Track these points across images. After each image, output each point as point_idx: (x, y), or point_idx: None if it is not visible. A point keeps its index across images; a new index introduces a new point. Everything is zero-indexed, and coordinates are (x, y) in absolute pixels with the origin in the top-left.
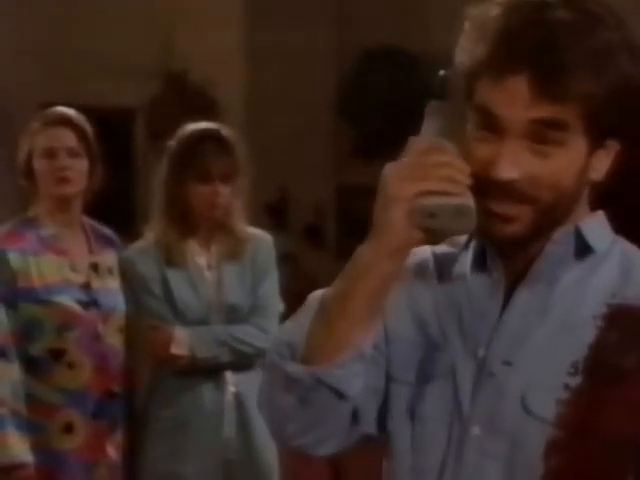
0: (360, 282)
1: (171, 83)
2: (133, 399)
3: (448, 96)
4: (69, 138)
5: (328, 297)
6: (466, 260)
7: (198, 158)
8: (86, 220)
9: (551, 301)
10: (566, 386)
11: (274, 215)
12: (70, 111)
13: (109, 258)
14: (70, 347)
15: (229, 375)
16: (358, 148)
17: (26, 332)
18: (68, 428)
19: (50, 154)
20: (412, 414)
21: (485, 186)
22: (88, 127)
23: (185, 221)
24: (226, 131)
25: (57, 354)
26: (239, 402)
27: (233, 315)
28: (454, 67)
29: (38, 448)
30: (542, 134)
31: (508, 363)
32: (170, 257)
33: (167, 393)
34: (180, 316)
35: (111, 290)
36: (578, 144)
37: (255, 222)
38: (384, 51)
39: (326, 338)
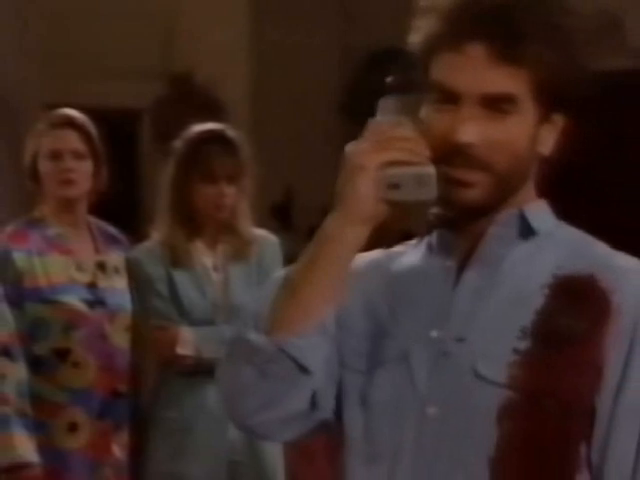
0: (324, 250)
1: (176, 84)
2: (138, 399)
3: (402, 91)
4: (74, 140)
5: (294, 267)
6: (418, 252)
7: (204, 159)
8: (92, 220)
9: (498, 278)
10: (515, 350)
11: (279, 216)
12: (75, 113)
13: (116, 257)
14: (75, 346)
15: None
16: None
17: (32, 331)
18: (73, 427)
19: (55, 156)
20: (364, 402)
21: (445, 154)
22: (93, 129)
23: (191, 222)
24: (231, 132)
25: (62, 353)
26: None
27: (239, 316)
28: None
29: (42, 448)
30: (495, 104)
31: (461, 339)
32: (176, 257)
33: (172, 393)
34: (186, 316)
35: (117, 289)
36: (529, 113)
37: (260, 223)
38: (390, 52)
39: (289, 307)
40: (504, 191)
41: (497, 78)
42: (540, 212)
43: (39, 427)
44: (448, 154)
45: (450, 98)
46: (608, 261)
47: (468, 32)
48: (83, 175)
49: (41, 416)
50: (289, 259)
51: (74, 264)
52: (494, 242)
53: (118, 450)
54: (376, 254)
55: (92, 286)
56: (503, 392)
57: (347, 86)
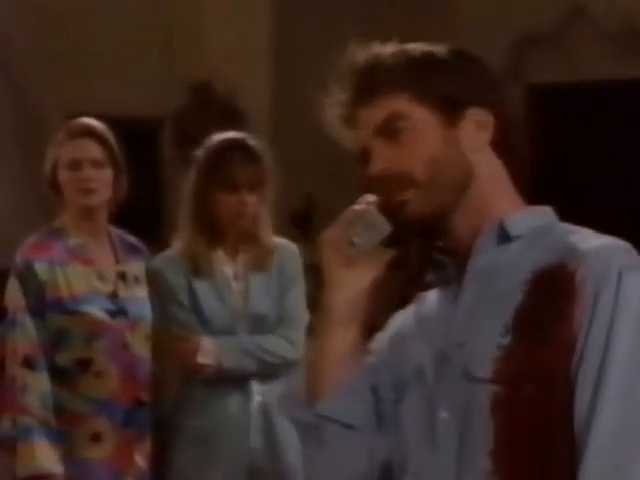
0: (324, 344)
1: (197, 92)
2: (161, 408)
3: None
4: (93, 149)
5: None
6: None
7: (225, 168)
8: (112, 229)
9: (487, 284)
10: (499, 346)
11: (299, 224)
12: (94, 122)
13: (136, 267)
14: (97, 356)
15: (255, 385)
16: None
17: (54, 342)
18: (96, 437)
19: (75, 165)
20: (396, 426)
21: (376, 190)
22: (112, 137)
23: (212, 231)
24: (253, 140)
25: (85, 364)
26: (265, 411)
27: (260, 325)
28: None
29: (65, 458)
30: (388, 128)
31: (461, 345)
32: (197, 267)
33: (195, 402)
34: (206, 326)
35: (138, 299)
36: (426, 119)
37: (280, 231)
38: None
39: (315, 383)
40: (443, 195)
41: (376, 109)
42: (520, 217)
43: (62, 437)
44: (377, 187)
45: (363, 153)
46: (576, 246)
47: (352, 102)
48: (103, 184)
49: (64, 426)
50: (309, 268)
51: (95, 274)
52: (478, 253)
53: (141, 460)
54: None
55: (113, 296)
56: (492, 387)
57: None
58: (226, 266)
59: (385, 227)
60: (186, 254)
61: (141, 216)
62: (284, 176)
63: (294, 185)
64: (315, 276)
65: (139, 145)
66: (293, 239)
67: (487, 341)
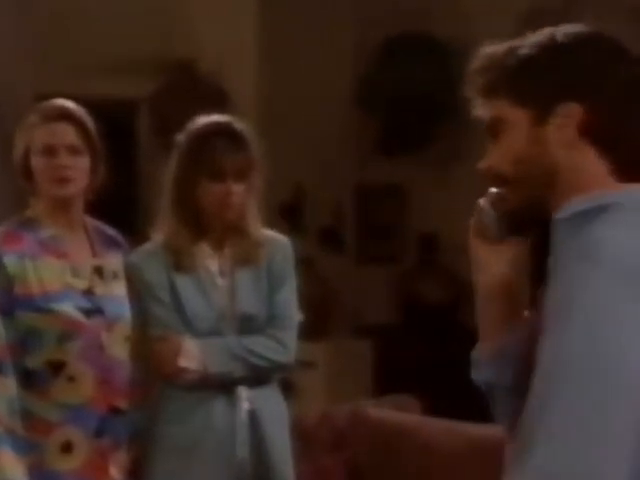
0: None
1: (177, 73)
2: (139, 416)
3: None
4: (69, 134)
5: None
6: None
7: (209, 154)
8: (89, 220)
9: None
10: None
11: (288, 216)
12: (70, 104)
13: (114, 261)
14: (71, 359)
15: (243, 391)
16: (380, 144)
17: (23, 343)
18: (67, 447)
19: (49, 151)
20: None
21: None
22: (90, 121)
23: (195, 222)
24: (240, 125)
25: (57, 366)
26: (253, 420)
27: (247, 325)
28: None
29: (33, 469)
30: (492, 131)
31: None
32: (179, 261)
33: (175, 410)
34: (189, 326)
35: (116, 296)
36: (517, 123)
37: (268, 223)
38: (408, 37)
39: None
40: (532, 191)
41: (487, 109)
42: (573, 201)
43: (30, 447)
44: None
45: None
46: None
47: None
48: (80, 172)
49: (33, 435)
50: (300, 262)
51: (69, 269)
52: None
53: (116, 471)
54: None
55: (89, 293)
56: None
57: (362, 76)
58: (211, 261)
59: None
60: (167, 248)
61: (115, 207)
62: (272, 164)
63: (282, 174)
64: (307, 271)
65: (113, 130)
66: (282, 232)
67: None
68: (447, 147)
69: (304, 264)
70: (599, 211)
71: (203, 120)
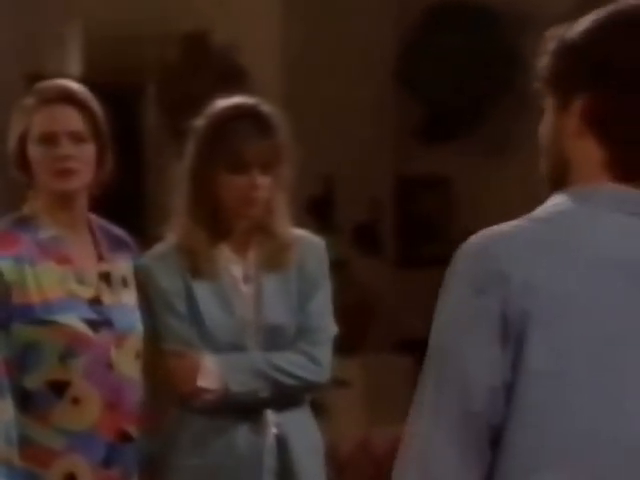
0: None
1: (189, 47)
2: (151, 443)
3: None
4: (73, 119)
5: None
6: None
7: (231, 142)
8: (94, 219)
9: None
10: None
11: (318, 213)
12: (73, 84)
13: (123, 266)
14: (75, 378)
15: (270, 414)
16: (423, 128)
17: (21, 360)
18: (70, 479)
19: (49, 139)
20: None
21: None
22: (96, 104)
23: (215, 221)
24: (266, 107)
25: (59, 387)
26: (282, 447)
27: (275, 339)
28: None
29: None
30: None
31: None
32: (196, 266)
33: (193, 436)
34: (209, 340)
35: (126, 306)
36: (548, 110)
37: (294, 221)
38: (455, 6)
39: None
40: (555, 176)
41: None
42: (550, 200)
43: (29, 478)
44: None
45: None
46: None
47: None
48: (84, 163)
49: (32, 465)
50: (331, 266)
51: (73, 275)
52: None
53: None
54: None
55: (95, 302)
56: None
57: (403, 50)
58: (233, 265)
59: None
60: (183, 250)
61: (119, 203)
62: (298, 153)
63: (310, 164)
64: (339, 276)
65: (114, 114)
66: (310, 230)
67: None
68: (500, 132)
69: (336, 268)
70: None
71: (223, 102)
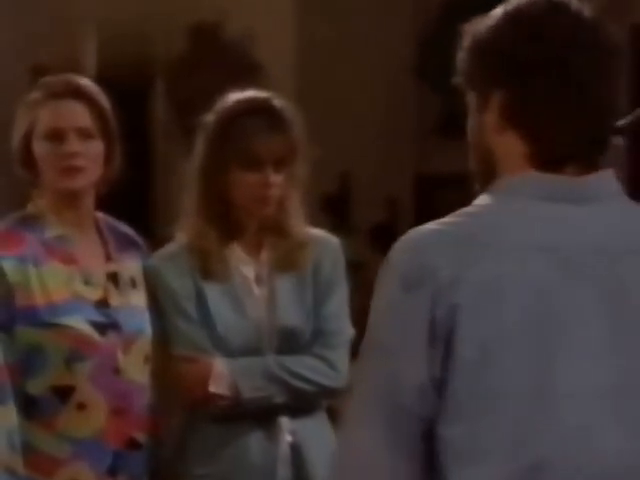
0: None
1: (199, 40)
2: (161, 451)
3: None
4: (80, 115)
5: None
6: None
7: (243, 137)
8: (101, 217)
9: None
10: None
11: (333, 211)
12: (82, 79)
13: (132, 266)
14: (81, 383)
15: (284, 421)
16: (444, 124)
17: (24, 364)
18: None
19: (56, 136)
20: None
21: None
22: (104, 99)
23: (227, 220)
24: (279, 102)
25: (64, 392)
26: (297, 456)
27: (289, 342)
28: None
29: None
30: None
31: None
32: (208, 267)
33: (204, 444)
34: (220, 344)
35: (135, 308)
36: (471, 106)
37: (309, 220)
38: None
39: None
40: (483, 171)
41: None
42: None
43: None
44: None
45: None
46: None
47: None
48: (91, 160)
49: (35, 473)
50: (347, 267)
51: (79, 276)
52: None
53: None
54: None
55: (103, 305)
56: None
57: (423, 42)
58: (245, 266)
59: None
60: (193, 250)
61: (126, 201)
62: (314, 151)
63: (326, 161)
64: (356, 277)
65: (122, 109)
66: (326, 229)
67: None
68: None
69: (352, 269)
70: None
71: (235, 96)
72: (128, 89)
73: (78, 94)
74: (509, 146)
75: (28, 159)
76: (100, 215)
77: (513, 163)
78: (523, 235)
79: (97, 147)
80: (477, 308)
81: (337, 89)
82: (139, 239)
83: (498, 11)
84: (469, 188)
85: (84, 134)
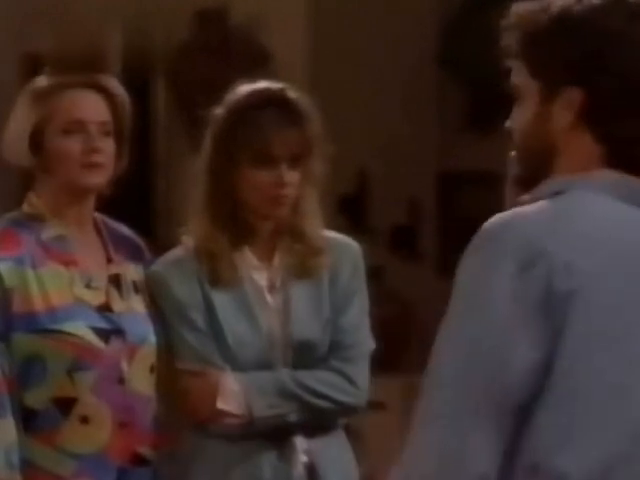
0: None
1: (205, 26)
2: (167, 467)
3: None
4: (101, 108)
5: None
6: None
7: (255, 132)
8: (99, 217)
9: None
10: None
11: (350, 213)
12: (100, 72)
13: (133, 270)
14: (84, 395)
15: (299, 440)
16: (468, 118)
17: (23, 374)
18: None
19: (77, 128)
20: None
21: None
22: (125, 96)
23: (237, 222)
24: (294, 94)
25: (66, 404)
26: (312, 477)
27: (305, 356)
28: None
29: None
30: (515, 95)
31: None
32: (217, 273)
33: (212, 463)
34: (230, 357)
35: (138, 314)
36: (530, 95)
37: (324, 222)
38: None
39: None
40: (531, 163)
41: (513, 72)
42: (550, 181)
43: None
44: None
45: None
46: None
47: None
48: (110, 158)
49: None
50: (366, 272)
51: (81, 278)
52: None
53: None
54: None
55: (105, 309)
56: None
57: (447, 27)
58: (257, 272)
59: None
60: (201, 255)
61: (125, 202)
62: (329, 147)
63: (342, 159)
64: (375, 284)
65: None
66: (342, 232)
67: None
68: None
69: (371, 275)
70: (551, 195)
71: (245, 88)
72: (126, 81)
73: (99, 87)
74: (581, 145)
75: (36, 152)
76: (98, 216)
77: (583, 161)
78: (619, 232)
79: (112, 145)
80: (591, 295)
81: (352, 80)
82: (141, 242)
83: (580, 3)
84: (496, 186)
85: (104, 130)
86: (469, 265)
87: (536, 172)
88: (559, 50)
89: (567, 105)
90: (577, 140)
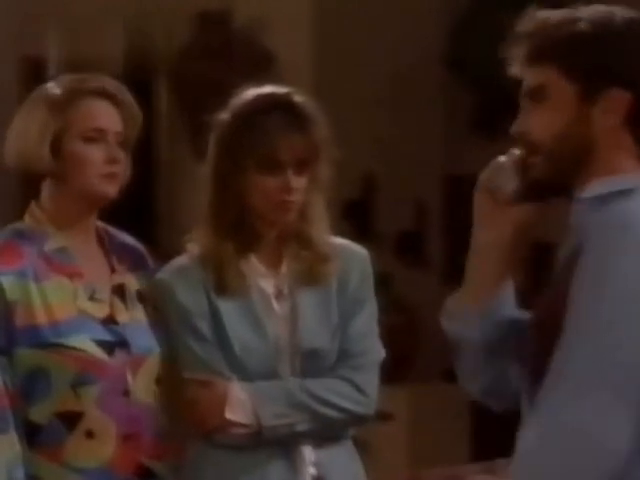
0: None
1: (207, 28)
2: (173, 478)
3: None
4: (117, 120)
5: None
6: None
7: (261, 138)
8: (101, 226)
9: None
10: None
11: (356, 218)
12: (109, 80)
13: (137, 279)
14: (89, 409)
15: (307, 451)
16: (476, 120)
17: (27, 389)
18: None
19: (97, 137)
20: None
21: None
22: (137, 106)
23: (243, 229)
24: (300, 98)
25: (71, 419)
26: None
27: (313, 364)
28: None
29: None
30: (536, 98)
31: None
32: (222, 281)
33: (218, 474)
34: (237, 366)
35: (144, 325)
36: (565, 96)
37: (331, 228)
38: None
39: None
40: (563, 166)
41: (533, 74)
42: (600, 181)
43: None
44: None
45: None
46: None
47: (522, 59)
48: (124, 169)
49: None
50: (374, 279)
51: (84, 290)
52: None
53: None
54: None
55: (110, 322)
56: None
57: (453, 29)
58: (264, 280)
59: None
60: (206, 263)
61: (126, 208)
62: (334, 152)
63: (348, 163)
64: (381, 292)
65: None
66: (347, 237)
67: None
68: None
69: (377, 281)
70: (620, 194)
71: (250, 93)
72: (127, 83)
73: (114, 98)
74: (623, 146)
75: (55, 161)
76: (100, 225)
77: (623, 162)
78: None
79: (125, 156)
80: None
81: (357, 83)
82: (144, 250)
83: (613, 13)
84: None
85: (119, 140)
86: (622, 265)
87: (567, 175)
88: (604, 54)
89: (612, 107)
90: (619, 142)
